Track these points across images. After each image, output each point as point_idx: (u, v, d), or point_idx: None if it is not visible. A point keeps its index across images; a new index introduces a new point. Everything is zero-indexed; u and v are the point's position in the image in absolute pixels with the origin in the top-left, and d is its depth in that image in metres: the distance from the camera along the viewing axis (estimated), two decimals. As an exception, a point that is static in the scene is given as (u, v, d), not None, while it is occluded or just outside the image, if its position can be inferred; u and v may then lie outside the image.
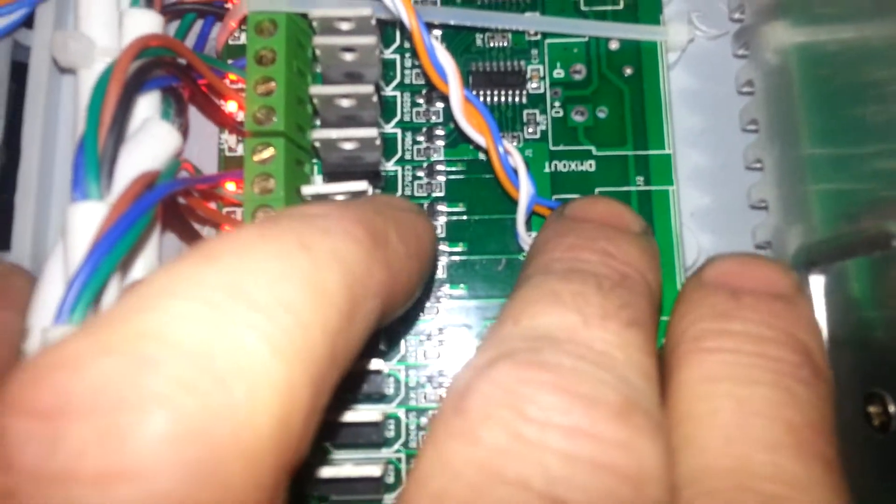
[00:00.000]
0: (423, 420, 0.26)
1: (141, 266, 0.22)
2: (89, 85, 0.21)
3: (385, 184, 0.28)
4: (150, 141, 0.22)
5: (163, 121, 0.23)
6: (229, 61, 0.27)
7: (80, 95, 0.22)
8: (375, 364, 0.24)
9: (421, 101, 0.28)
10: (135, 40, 0.20)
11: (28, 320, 0.20)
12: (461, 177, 0.28)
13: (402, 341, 0.27)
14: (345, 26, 0.24)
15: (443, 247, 0.27)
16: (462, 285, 0.27)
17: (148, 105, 0.23)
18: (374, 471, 0.23)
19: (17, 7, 0.22)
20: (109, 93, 0.19)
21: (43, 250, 0.26)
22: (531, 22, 0.28)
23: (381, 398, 0.26)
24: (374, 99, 0.24)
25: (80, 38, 0.21)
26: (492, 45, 0.29)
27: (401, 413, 0.26)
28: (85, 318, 0.17)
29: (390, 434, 0.26)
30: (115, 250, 0.18)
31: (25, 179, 0.25)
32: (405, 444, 0.26)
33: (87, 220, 0.19)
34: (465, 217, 0.27)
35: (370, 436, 0.24)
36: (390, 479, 0.26)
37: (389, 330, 0.26)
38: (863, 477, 0.23)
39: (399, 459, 0.26)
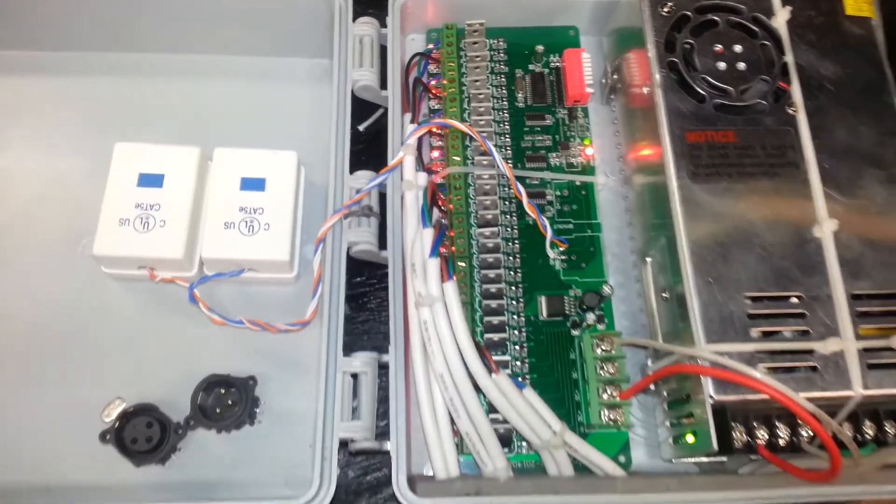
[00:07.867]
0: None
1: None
2: (411, 198, 0.66)
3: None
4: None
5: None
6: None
7: (407, 205, 0.67)
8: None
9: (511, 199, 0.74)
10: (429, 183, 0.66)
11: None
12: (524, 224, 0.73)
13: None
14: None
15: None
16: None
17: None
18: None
19: (385, 174, 0.68)
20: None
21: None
22: (543, 174, 0.75)
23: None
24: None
25: (409, 184, 0.67)
26: (536, 182, 0.75)
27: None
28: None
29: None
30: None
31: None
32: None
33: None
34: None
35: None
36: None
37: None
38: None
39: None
